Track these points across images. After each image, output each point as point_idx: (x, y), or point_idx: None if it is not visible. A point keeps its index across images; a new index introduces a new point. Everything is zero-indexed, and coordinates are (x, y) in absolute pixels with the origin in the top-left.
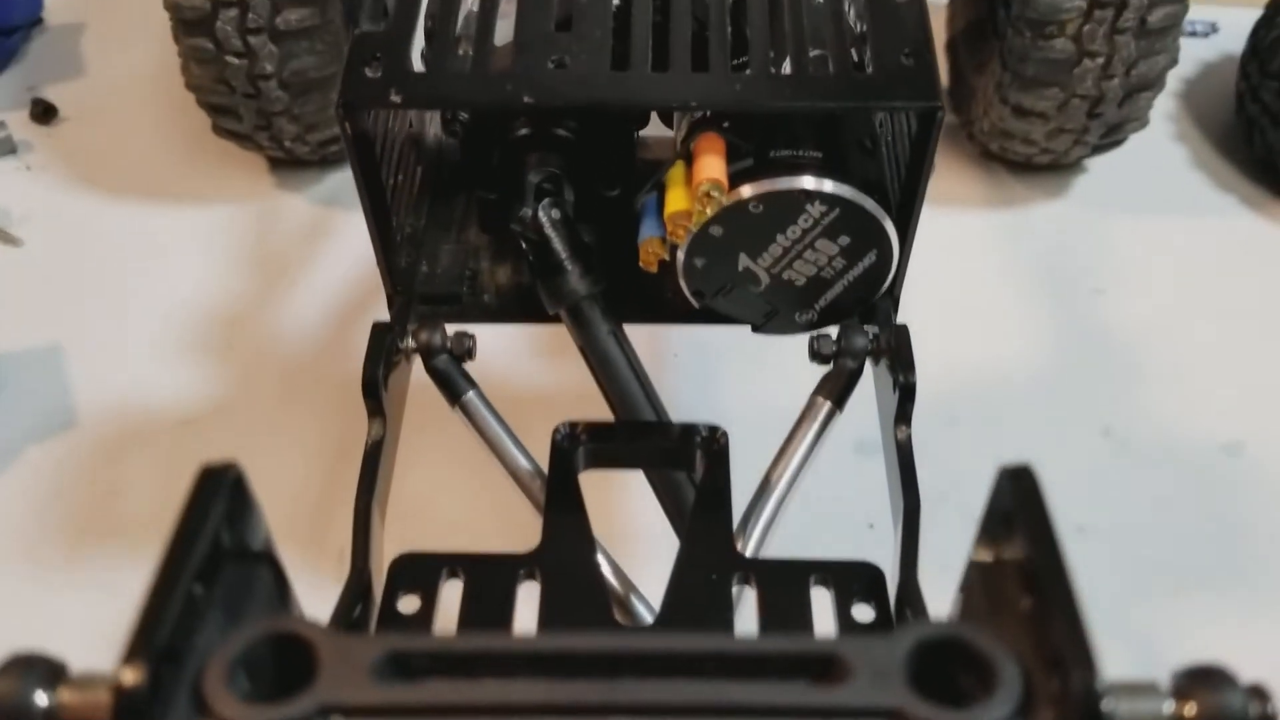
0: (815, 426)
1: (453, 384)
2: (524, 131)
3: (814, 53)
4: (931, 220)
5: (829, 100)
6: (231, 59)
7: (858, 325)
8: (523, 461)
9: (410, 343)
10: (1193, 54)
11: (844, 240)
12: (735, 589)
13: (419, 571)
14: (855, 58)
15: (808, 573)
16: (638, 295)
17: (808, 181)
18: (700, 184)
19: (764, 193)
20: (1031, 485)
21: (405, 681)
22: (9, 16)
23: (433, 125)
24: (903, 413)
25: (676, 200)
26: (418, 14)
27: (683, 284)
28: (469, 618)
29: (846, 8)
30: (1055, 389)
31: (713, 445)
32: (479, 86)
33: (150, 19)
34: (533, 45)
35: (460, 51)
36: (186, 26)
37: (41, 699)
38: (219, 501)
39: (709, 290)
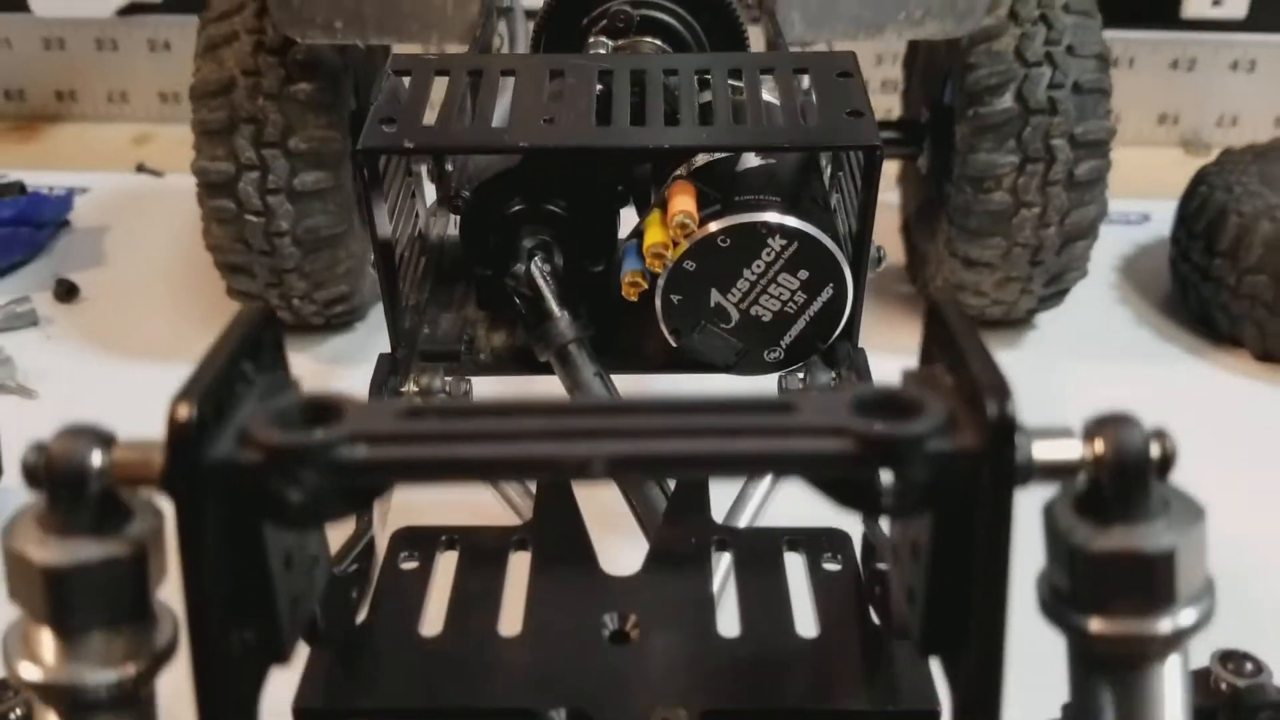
0: None
1: None
2: (518, 206)
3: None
4: (895, 374)
5: (783, 141)
6: (251, 217)
7: (820, 364)
8: (516, 488)
9: (411, 386)
10: (1129, 238)
11: (803, 274)
12: (714, 555)
13: (417, 541)
14: None
15: (780, 538)
16: (620, 351)
17: (770, 216)
18: (674, 216)
19: (730, 225)
20: (959, 308)
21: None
22: (40, 212)
23: (435, 226)
24: None
25: (654, 234)
26: (427, 98)
27: (661, 323)
28: (463, 578)
29: (798, 104)
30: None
31: None
32: (480, 135)
33: (170, 221)
34: (526, 110)
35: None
36: (211, 189)
37: (97, 458)
38: (260, 321)
39: (685, 328)
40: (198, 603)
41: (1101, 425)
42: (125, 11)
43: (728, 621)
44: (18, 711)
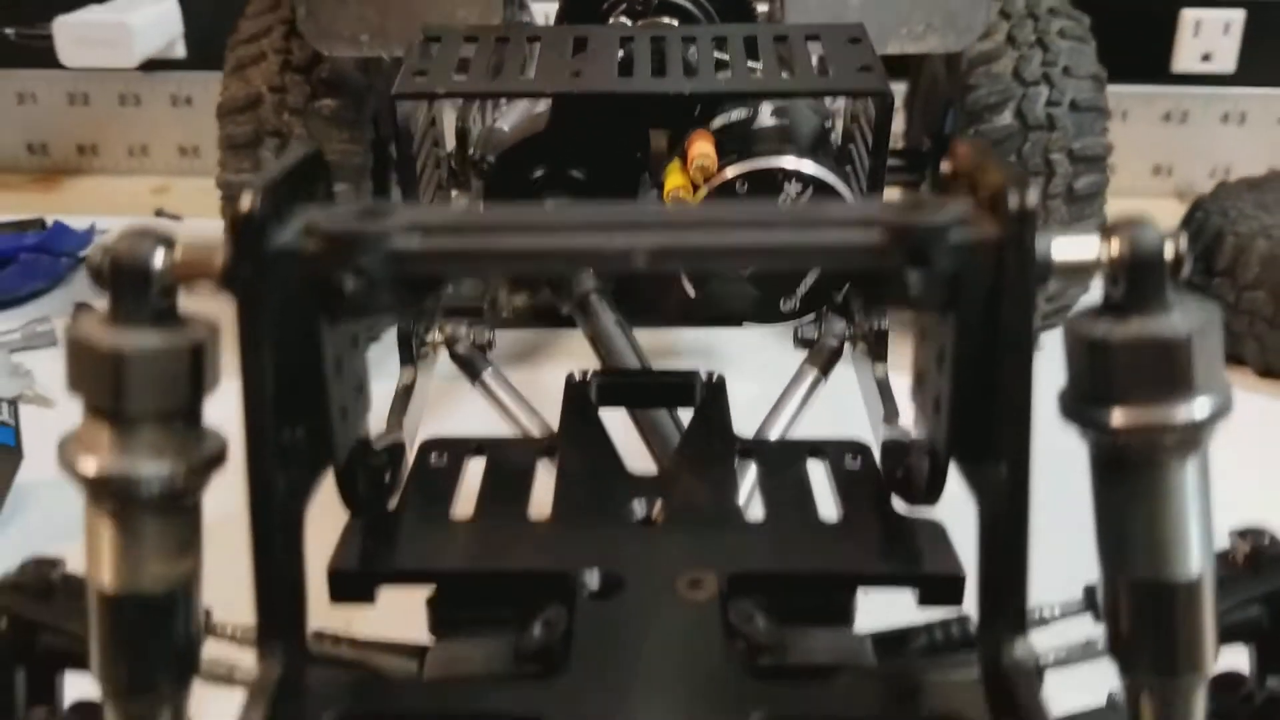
0: (804, 388)
1: (473, 365)
2: (541, 172)
3: None
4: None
5: (800, 87)
6: None
7: (834, 314)
8: (537, 423)
9: (436, 335)
10: None
11: None
12: (738, 463)
13: (446, 448)
14: None
15: (803, 449)
16: (640, 305)
17: (787, 161)
18: (694, 159)
19: (748, 171)
20: (979, 141)
21: None
22: (62, 243)
23: (462, 199)
24: (878, 353)
25: (675, 179)
26: (457, 58)
27: (682, 271)
28: (490, 486)
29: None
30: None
31: (711, 383)
32: (509, 82)
33: None
34: (553, 64)
35: None
36: (235, 201)
37: (159, 256)
38: (314, 156)
39: (705, 276)
40: (255, 393)
41: (1118, 226)
42: (148, 67)
43: (754, 514)
44: (58, 576)
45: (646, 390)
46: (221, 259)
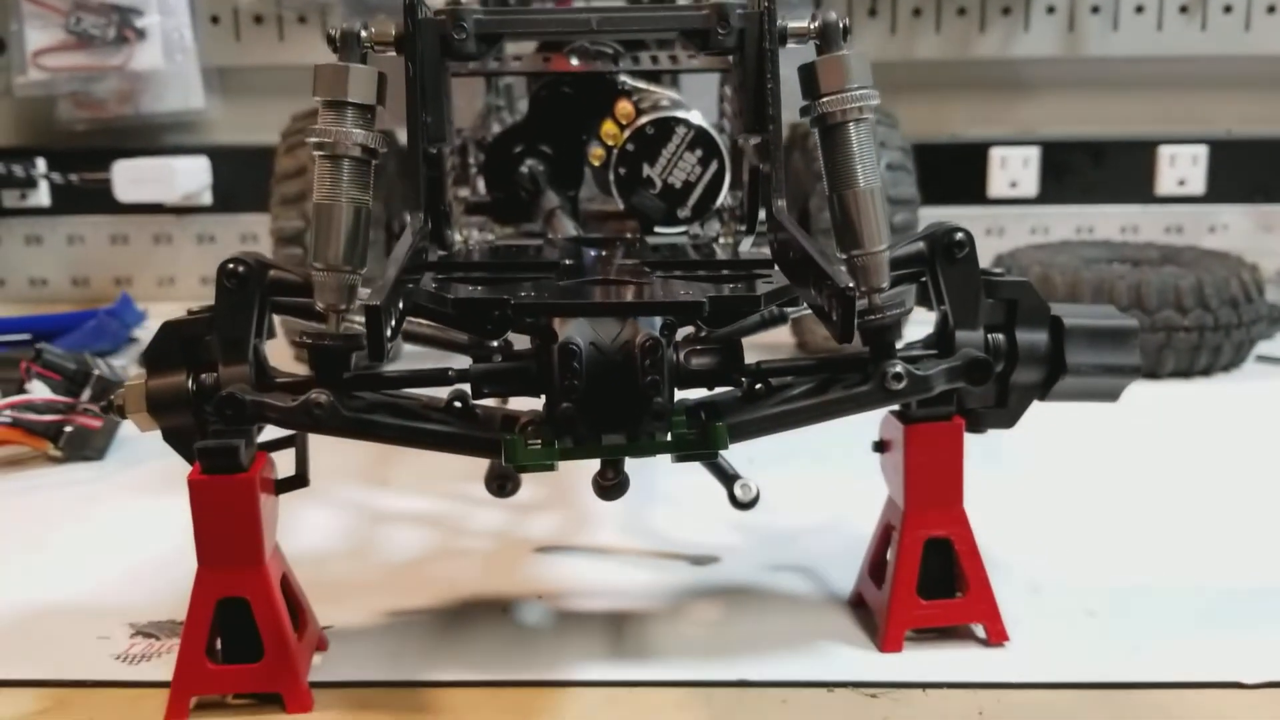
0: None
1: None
2: (520, 148)
3: None
4: None
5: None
6: None
7: (715, 219)
8: None
9: (460, 235)
10: None
11: (699, 153)
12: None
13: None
14: None
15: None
16: (587, 223)
17: (679, 113)
18: (619, 113)
19: (654, 119)
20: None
21: None
22: (128, 314)
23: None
24: (747, 229)
25: (608, 126)
26: None
27: (614, 189)
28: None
29: None
30: None
31: (633, 238)
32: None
33: None
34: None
35: None
36: (283, 242)
37: (363, 30)
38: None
39: (627, 193)
40: (412, 93)
41: (814, 14)
42: (179, 211)
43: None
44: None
45: (590, 242)
46: (395, 30)
